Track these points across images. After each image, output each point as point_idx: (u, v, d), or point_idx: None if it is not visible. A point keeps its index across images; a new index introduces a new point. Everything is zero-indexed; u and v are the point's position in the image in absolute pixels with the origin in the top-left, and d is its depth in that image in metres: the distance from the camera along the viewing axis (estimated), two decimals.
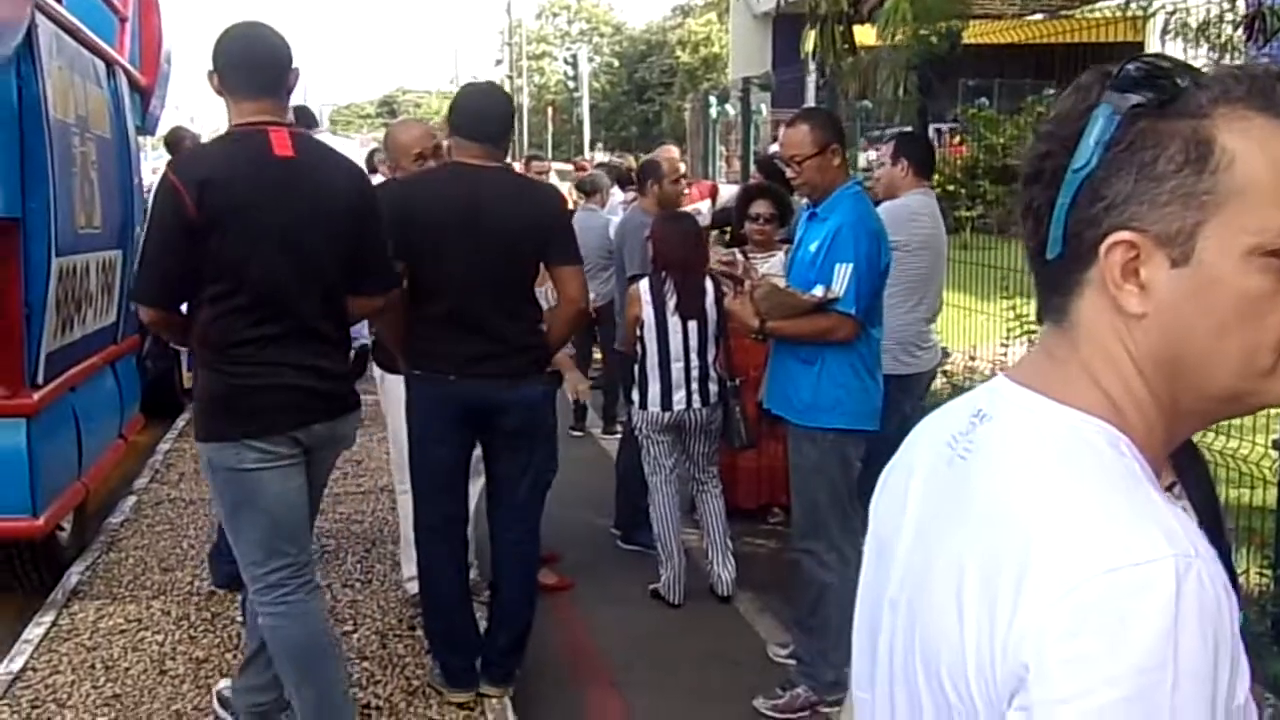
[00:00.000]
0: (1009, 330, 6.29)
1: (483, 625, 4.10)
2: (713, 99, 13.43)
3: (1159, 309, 0.90)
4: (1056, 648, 0.80)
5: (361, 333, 4.86)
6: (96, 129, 5.51)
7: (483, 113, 3.78)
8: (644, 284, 4.89)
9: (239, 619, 4.49)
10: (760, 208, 5.48)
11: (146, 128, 7.40)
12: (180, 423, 7.55)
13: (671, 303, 4.79)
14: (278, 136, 3.14)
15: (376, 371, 4.73)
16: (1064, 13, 7.72)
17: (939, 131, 11.67)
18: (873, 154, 9.39)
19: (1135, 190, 0.89)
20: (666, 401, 4.80)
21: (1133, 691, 0.78)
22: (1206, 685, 0.78)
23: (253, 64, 3.16)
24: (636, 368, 4.90)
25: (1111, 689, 0.78)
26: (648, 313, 4.81)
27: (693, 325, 4.79)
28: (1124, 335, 0.93)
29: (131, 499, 6.12)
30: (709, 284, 4.85)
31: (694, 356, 4.79)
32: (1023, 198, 0.97)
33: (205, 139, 12.11)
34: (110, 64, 6.03)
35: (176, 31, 7.17)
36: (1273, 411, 3.32)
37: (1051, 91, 12.98)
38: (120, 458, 5.96)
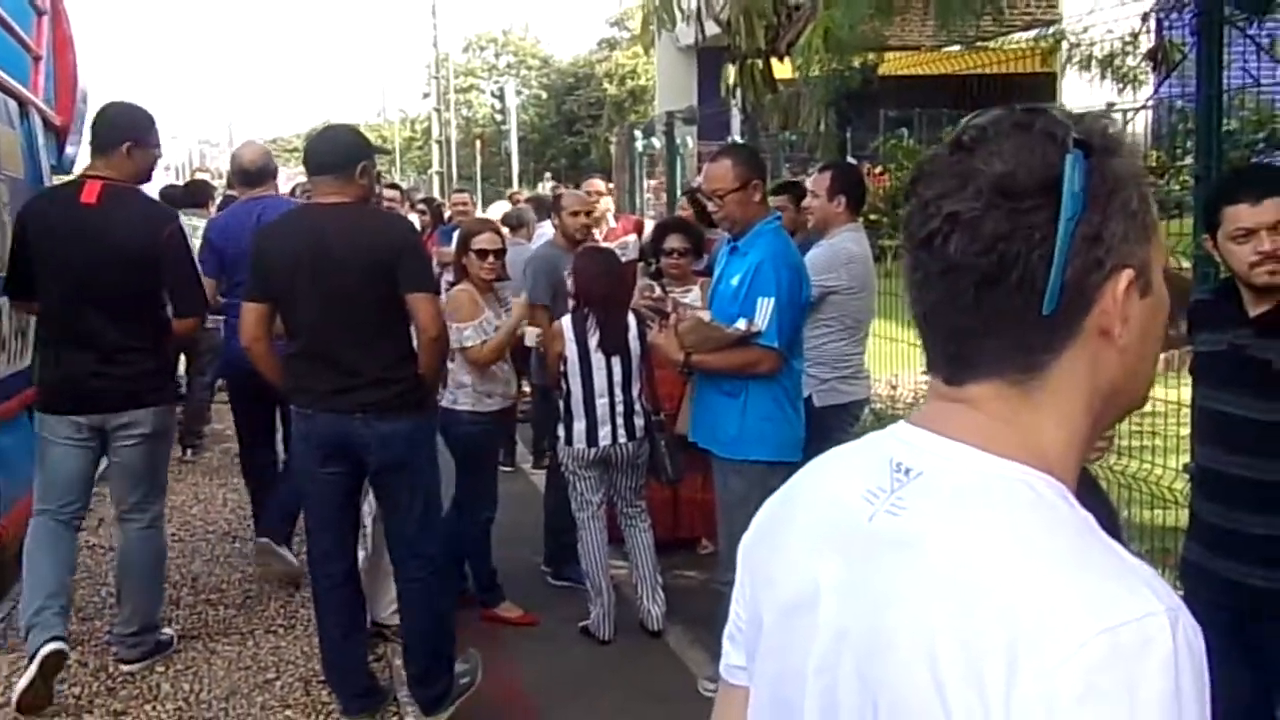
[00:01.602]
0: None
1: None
2: (638, 133, 13.47)
3: (1130, 339, 0.96)
4: (1068, 714, 0.79)
5: None
6: (9, 169, 5.42)
7: (321, 148, 3.90)
8: (566, 320, 4.88)
9: (159, 669, 4.42)
10: (674, 242, 5.50)
11: (63, 167, 7.26)
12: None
13: (594, 339, 4.79)
14: (89, 186, 4.10)
15: None
16: (980, 45, 7.90)
17: (858, 159, 11.83)
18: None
19: (1125, 230, 0.94)
20: (592, 437, 4.80)
21: None
22: None
23: (94, 131, 4.28)
24: (561, 404, 4.89)
25: None
26: (571, 349, 4.81)
27: (616, 361, 4.80)
28: (1094, 377, 0.96)
29: None
30: (631, 318, 4.87)
31: (618, 392, 4.79)
32: (987, 260, 0.92)
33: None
34: (23, 104, 5.94)
35: (93, 69, 7.07)
36: (1183, 432, 3.41)
37: None
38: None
